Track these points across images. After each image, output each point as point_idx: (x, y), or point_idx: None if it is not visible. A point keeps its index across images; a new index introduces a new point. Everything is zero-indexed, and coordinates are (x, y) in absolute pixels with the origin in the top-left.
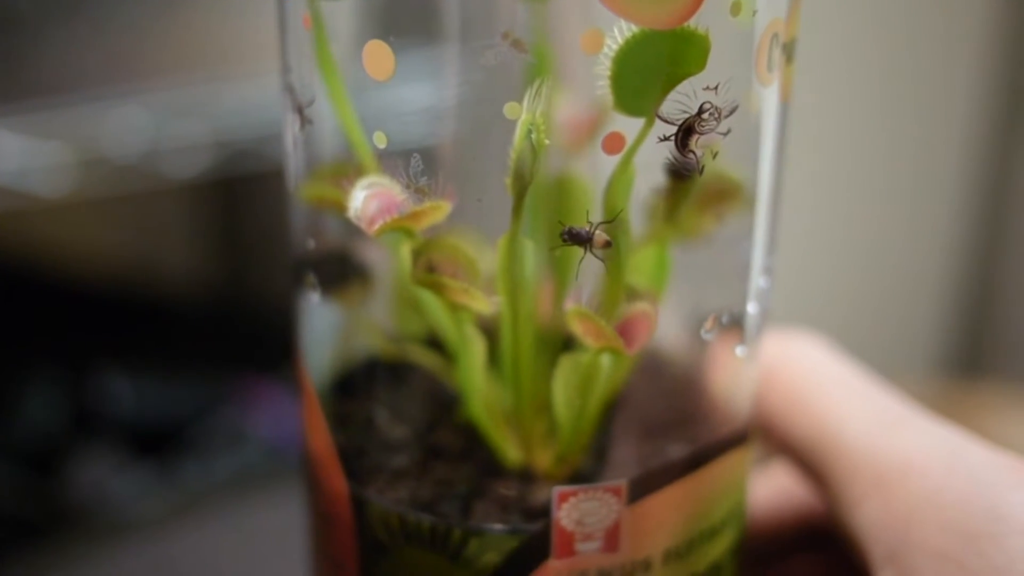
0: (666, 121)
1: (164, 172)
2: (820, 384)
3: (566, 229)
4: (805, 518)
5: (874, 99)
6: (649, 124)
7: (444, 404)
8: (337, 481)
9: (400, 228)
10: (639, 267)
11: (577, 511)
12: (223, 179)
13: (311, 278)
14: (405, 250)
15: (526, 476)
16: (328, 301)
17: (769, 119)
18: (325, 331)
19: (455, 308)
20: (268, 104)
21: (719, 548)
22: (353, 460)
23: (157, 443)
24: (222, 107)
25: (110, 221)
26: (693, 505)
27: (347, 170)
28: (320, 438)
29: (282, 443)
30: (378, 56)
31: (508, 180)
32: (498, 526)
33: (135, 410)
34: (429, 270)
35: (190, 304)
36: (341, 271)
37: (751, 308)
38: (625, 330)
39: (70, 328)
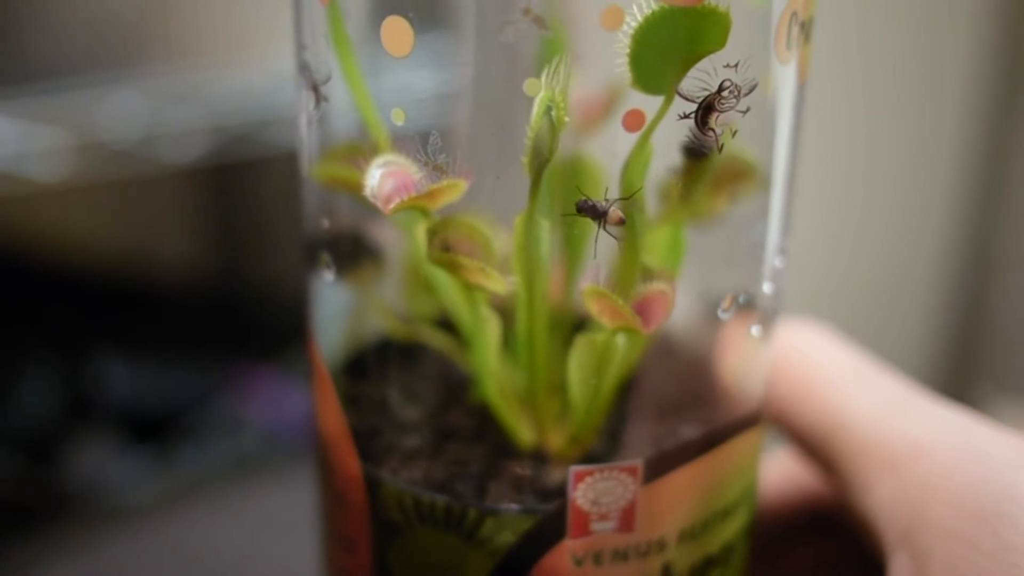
0: (686, 99)
1: (161, 157)
2: (827, 372)
3: (582, 200)
4: (812, 504)
5: (869, 90)
6: (668, 102)
7: (457, 385)
8: (350, 461)
9: (416, 207)
10: (654, 247)
11: (593, 491)
12: (220, 165)
13: (326, 257)
14: (420, 229)
15: (539, 457)
16: (340, 282)
17: (786, 98)
18: (337, 312)
19: (470, 288)
20: (266, 90)
21: (732, 528)
22: (366, 440)
23: (154, 429)
24: (219, 92)
25: (106, 206)
26: (707, 485)
27: (362, 149)
28: (333, 419)
29: (279, 430)
30: (397, 32)
31: (525, 158)
32: (513, 506)
33: (132, 396)
34: (445, 249)
35: (187, 290)
36: (353, 252)
37: (767, 288)
38: (642, 309)
39: (67, 314)
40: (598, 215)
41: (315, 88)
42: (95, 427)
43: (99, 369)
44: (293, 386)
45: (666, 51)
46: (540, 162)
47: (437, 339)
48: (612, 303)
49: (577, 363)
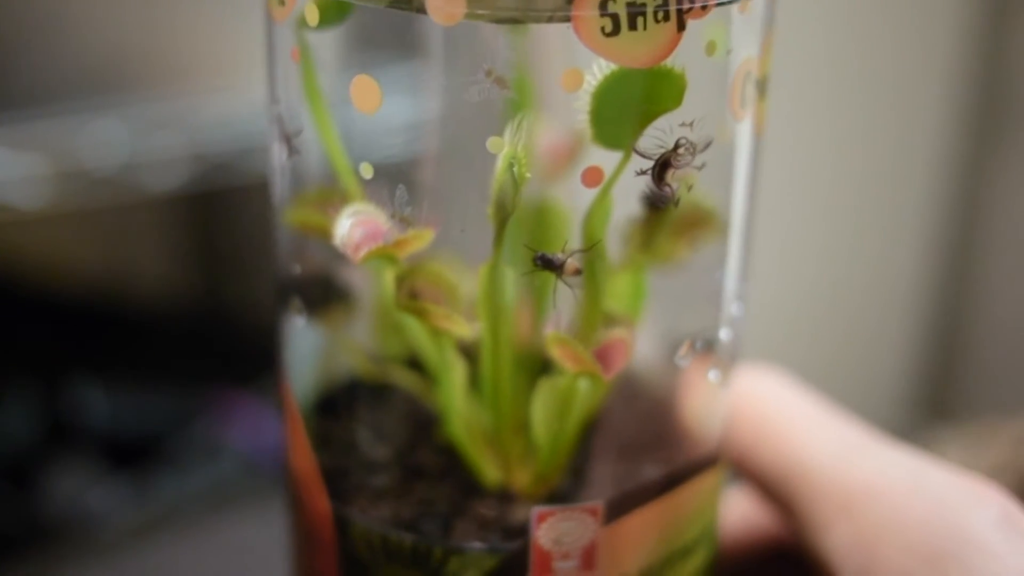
0: (643, 156)
1: (141, 185)
2: (785, 417)
3: (538, 255)
4: (770, 543)
5: (841, 124)
6: (626, 158)
7: (424, 424)
8: (320, 500)
9: (384, 256)
10: (615, 293)
11: (555, 531)
12: (200, 192)
13: (297, 303)
14: (389, 276)
15: (505, 496)
16: (311, 324)
17: (742, 152)
18: (308, 353)
19: (437, 332)
20: (246, 117)
21: (692, 567)
22: (336, 479)
23: (132, 456)
24: (200, 120)
25: (87, 233)
26: (667, 525)
27: (332, 197)
28: (303, 458)
29: (258, 456)
30: (366, 90)
31: (490, 210)
32: (478, 545)
33: (110, 423)
34: (412, 296)
35: (166, 316)
36: (324, 293)
37: (724, 334)
38: (602, 355)
39: (46, 340)
40: (554, 268)
41: (287, 140)
42: (73, 453)
43: (78, 395)
44: (272, 412)
45: (624, 110)
46: (504, 214)
47: (406, 379)
48: (573, 350)
49: (541, 406)
